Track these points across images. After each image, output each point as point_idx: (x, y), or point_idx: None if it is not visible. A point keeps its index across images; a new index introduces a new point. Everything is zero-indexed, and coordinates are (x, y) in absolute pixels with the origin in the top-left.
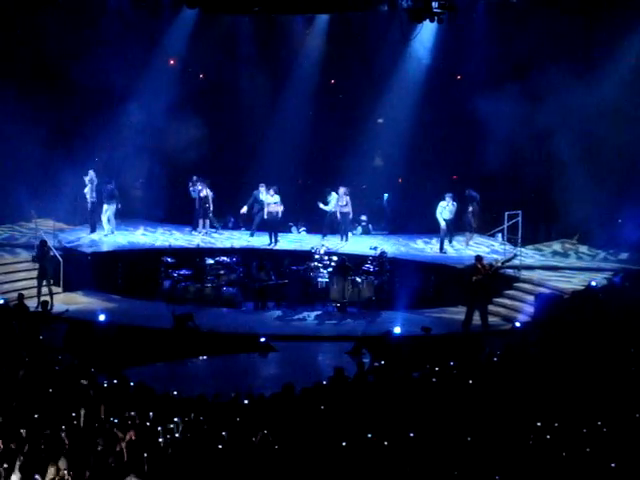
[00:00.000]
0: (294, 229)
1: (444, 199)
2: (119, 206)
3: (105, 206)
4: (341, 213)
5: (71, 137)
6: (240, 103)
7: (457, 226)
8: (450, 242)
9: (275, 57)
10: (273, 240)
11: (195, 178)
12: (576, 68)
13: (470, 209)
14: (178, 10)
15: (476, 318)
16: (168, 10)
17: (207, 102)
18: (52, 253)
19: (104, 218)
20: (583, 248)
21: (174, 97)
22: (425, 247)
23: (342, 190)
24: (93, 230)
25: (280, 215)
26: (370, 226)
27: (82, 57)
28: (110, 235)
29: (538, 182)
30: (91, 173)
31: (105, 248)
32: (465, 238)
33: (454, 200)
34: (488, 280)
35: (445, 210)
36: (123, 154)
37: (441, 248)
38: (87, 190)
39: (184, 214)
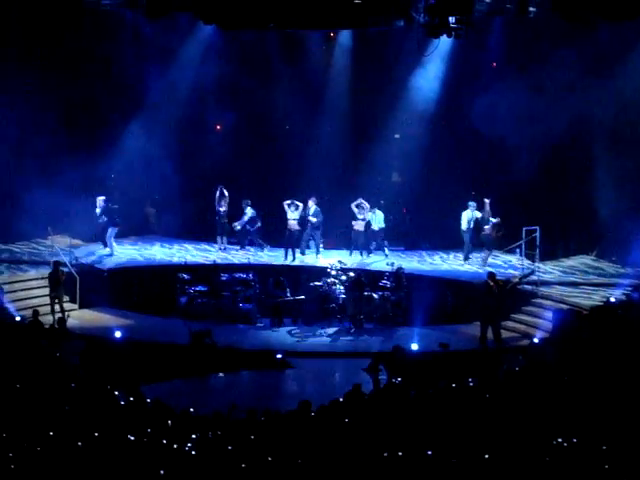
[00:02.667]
0: (312, 243)
1: (467, 208)
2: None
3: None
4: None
5: (87, 154)
6: (256, 119)
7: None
8: (465, 258)
9: (291, 73)
10: (290, 256)
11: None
12: (594, 82)
13: (487, 227)
14: (195, 27)
15: (491, 334)
16: (185, 26)
17: (224, 118)
18: (67, 270)
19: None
20: (602, 264)
21: (192, 113)
22: (442, 263)
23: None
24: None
25: (298, 231)
26: (386, 242)
27: (100, 73)
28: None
29: (557, 197)
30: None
31: (119, 265)
32: (483, 256)
33: (477, 209)
34: (501, 297)
35: (465, 220)
36: (140, 171)
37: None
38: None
39: (203, 230)
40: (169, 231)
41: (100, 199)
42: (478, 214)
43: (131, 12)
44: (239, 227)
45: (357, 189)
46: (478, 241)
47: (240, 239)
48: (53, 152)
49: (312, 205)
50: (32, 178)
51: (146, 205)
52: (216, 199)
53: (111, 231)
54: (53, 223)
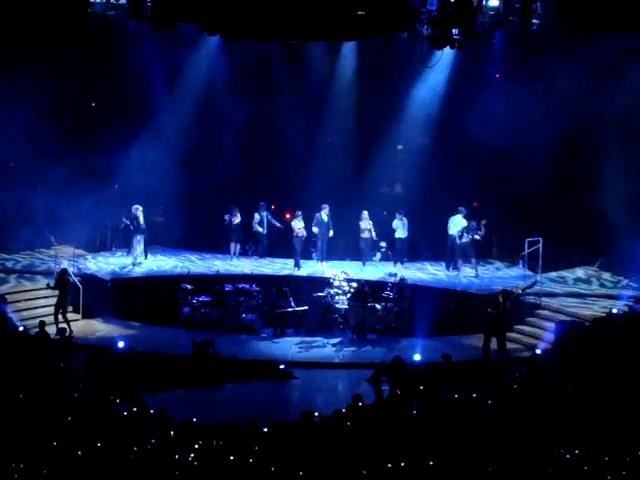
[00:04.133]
0: (315, 256)
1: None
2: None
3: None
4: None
5: (91, 164)
6: (260, 129)
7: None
8: (451, 265)
9: (294, 84)
10: (297, 265)
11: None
12: (598, 94)
13: (476, 237)
14: (200, 38)
15: (494, 344)
16: (189, 38)
17: (227, 130)
18: (72, 280)
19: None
20: (606, 275)
21: (196, 123)
22: (444, 274)
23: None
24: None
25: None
26: (390, 253)
27: (105, 83)
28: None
29: (560, 209)
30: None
31: (122, 275)
32: (473, 266)
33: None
34: (506, 310)
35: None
36: (145, 181)
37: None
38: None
39: (209, 241)
40: (176, 241)
41: (137, 208)
42: (464, 222)
43: (135, 23)
44: (260, 229)
45: (360, 200)
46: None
47: (256, 244)
48: (57, 161)
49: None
50: (35, 188)
51: (155, 214)
52: (229, 216)
53: (139, 238)
54: (56, 233)
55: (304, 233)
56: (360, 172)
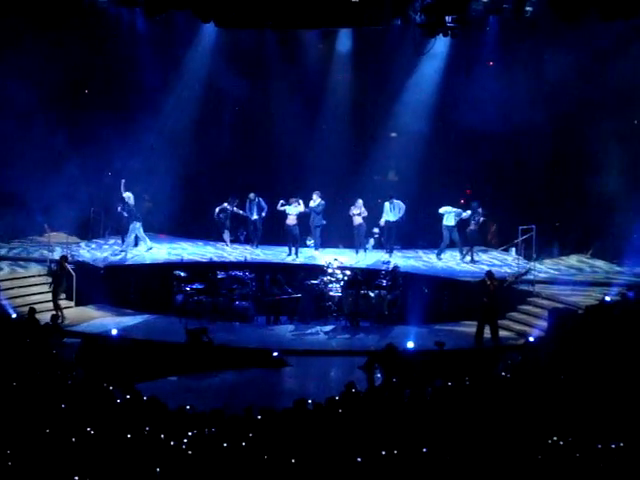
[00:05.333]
0: (309, 241)
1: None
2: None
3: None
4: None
5: (85, 151)
6: (254, 117)
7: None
8: (438, 254)
9: (289, 71)
10: (293, 252)
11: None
12: (590, 81)
13: (473, 223)
14: (194, 25)
15: (487, 332)
16: (183, 25)
17: (221, 117)
18: (67, 268)
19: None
20: (599, 262)
21: (191, 112)
22: (438, 261)
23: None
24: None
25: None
26: (383, 239)
27: (98, 70)
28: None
29: (554, 196)
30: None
31: (116, 262)
32: (469, 253)
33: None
34: (498, 295)
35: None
36: (138, 168)
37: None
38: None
39: (200, 228)
40: (167, 228)
41: (127, 195)
42: (464, 213)
43: (129, 10)
44: (256, 216)
45: (354, 188)
46: (463, 237)
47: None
48: (49, 149)
49: (317, 199)
50: (28, 175)
51: (145, 200)
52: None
53: (138, 226)
54: (49, 220)
55: (294, 221)
56: (354, 160)
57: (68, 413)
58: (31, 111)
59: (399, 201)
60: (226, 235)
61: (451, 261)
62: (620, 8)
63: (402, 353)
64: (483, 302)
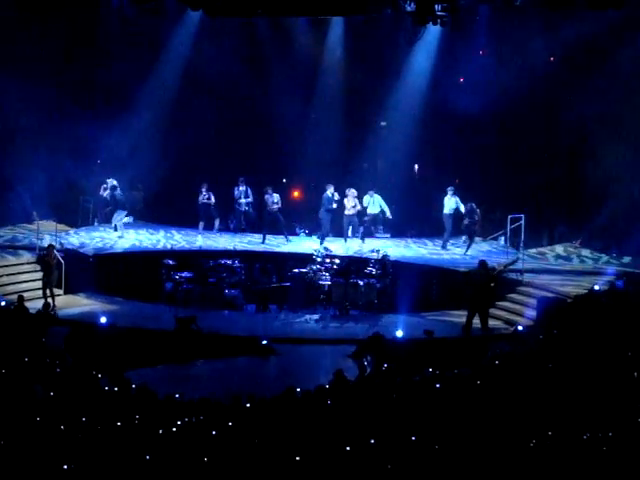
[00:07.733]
0: (299, 230)
1: (446, 194)
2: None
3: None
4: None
5: (74, 139)
6: (246, 105)
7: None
8: (444, 245)
9: (281, 59)
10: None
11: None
12: (581, 70)
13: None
14: (183, 13)
15: (476, 322)
16: (172, 12)
17: (210, 104)
18: (59, 255)
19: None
20: (586, 252)
21: (181, 99)
22: (427, 250)
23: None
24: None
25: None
26: (372, 228)
27: (87, 57)
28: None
29: (540, 186)
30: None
31: (105, 250)
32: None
33: (454, 194)
34: (489, 284)
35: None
36: (126, 156)
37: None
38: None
39: (190, 216)
40: (156, 216)
41: (111, 181)
42: (462, 206)
43: None
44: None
45: (345, 177)
46: (461, 230)
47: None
48: (39, 136)
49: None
50: (17, 163)
51: (134, 189)
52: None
53: (123, 214)
54: (38, 208)
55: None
56: (346, 148)
57: (57, 401)
58: (19, 98)
59: (378, 195)
60: (216, 222)
61: (454, 251)
62: None
63: (390, 342)
64: (475, 291)
